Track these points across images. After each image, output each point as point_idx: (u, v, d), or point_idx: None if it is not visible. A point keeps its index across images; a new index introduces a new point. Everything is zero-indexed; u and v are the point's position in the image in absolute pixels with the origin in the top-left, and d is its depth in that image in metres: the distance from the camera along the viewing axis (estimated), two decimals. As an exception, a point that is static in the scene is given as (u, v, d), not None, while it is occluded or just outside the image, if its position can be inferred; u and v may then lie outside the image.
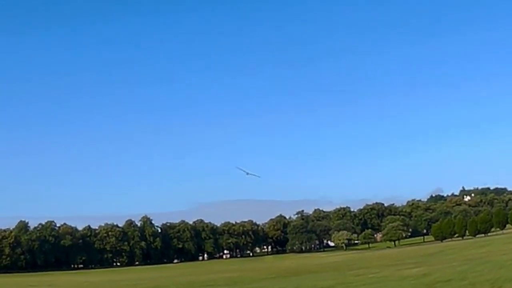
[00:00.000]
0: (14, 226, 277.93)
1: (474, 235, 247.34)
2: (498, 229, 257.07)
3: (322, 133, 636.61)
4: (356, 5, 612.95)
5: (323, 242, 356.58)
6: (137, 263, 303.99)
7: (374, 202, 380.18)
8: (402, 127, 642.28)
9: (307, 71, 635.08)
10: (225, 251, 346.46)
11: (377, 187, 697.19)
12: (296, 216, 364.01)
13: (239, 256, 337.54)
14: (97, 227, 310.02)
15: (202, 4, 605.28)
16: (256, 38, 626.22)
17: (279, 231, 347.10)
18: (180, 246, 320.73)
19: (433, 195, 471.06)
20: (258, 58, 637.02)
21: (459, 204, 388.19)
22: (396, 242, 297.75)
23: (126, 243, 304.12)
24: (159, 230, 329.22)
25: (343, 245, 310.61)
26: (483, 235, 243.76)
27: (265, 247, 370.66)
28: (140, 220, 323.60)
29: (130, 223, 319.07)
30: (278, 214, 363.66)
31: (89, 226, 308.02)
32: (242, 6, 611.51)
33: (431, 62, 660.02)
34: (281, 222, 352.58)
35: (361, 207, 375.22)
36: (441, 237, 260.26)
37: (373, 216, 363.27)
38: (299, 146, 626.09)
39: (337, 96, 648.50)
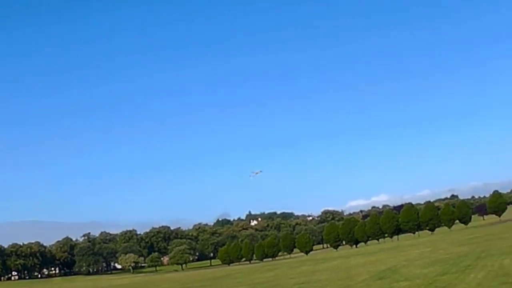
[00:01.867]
0: None
1: (262, 259, 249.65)
2: (285, 253, 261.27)
3: (105, 157, 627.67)
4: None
5: (110, 265, 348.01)
6: None
7: (161, 225, 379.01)
8: (183, 154, 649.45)
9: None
10: (13, 273, 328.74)
11: (164, 210, 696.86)
12: (83, 238, 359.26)
13: (27, 277, 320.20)
14: None
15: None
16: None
17: (66, 253, 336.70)
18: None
19: (220, 219, 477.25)
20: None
21: (246, 228, 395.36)
22: (184, 265, 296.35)
23: None
24: None
25: (130, 267, 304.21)
26: (270, 259, 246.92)
27: (53, 268, 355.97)
28: None
29: None
30: (65, 236, 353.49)
31: None
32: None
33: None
34: (68, 244, 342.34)
35: (148, 230, 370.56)
36: (228, 261, 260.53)
37: (159, 239, 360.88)
38: (86, 169, 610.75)
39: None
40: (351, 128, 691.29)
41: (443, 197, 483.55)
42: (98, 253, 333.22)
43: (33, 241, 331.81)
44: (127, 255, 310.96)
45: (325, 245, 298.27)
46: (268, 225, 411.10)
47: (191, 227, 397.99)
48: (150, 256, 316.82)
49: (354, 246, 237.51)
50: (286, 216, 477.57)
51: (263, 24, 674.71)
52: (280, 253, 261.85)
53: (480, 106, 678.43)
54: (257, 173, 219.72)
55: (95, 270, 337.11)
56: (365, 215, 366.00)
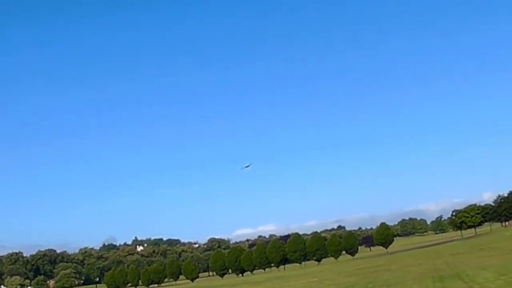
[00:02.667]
0: None
1: (147, 285, 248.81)
2: (171, 280, 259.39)
3: None
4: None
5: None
6: None
7: (47, 248, 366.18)
8: (68, 176, 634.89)
9: None
10: None
11: (50, 233, 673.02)
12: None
13: None
14: None
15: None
16: None
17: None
18: None
19: (106, 243, 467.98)
20: None
21: (132, 254, 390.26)
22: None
23: None
24: None
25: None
26: (156, 285, 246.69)
27: None
28: None
29: None
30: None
31: None
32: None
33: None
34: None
35: (34, 253, 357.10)
36: (114, 286, 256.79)
37: (45, 262, 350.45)
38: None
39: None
40: (236, 156, 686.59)
41: (330, 228, 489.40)
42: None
43: None
44: (13, 278, 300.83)
45: (211, 273, 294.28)
46: (154, 251, 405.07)
47: (77, 251, 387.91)
48: (36, 279, 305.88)
49: (240, 275, 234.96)
50: (172, 242, 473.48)
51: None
52: (166, 280, 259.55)
53: (365, 136, 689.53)
54: (247, 167, 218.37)
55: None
56: (252, 244, 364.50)
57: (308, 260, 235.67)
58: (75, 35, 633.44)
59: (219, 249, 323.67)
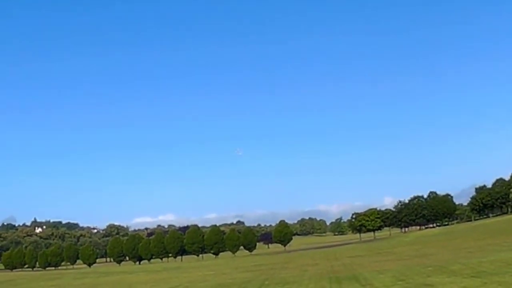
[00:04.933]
0: None
1: (44, 268, 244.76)
2: (68, 263, 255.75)
3: None
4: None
5: None
6: None
7: None
8: (3, 152, 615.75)
9: None
10: None
11: None
12: None
13: None
14: None
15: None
16: None
17: None
18: None
19: (5, 223, 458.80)
20: None
21: (31, 235, 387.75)
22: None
23: None
24: None
25: None
26: (53, 268, 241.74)
27: None
28: None
29: None
30: None
31: None
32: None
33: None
34: None
35: None
36: (11, 267, 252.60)
37: None
38: None
39: None
40: (142, 143, 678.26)
41: (229, 222, 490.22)
42: None
43: None
44: None
45: (108, 259, 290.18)
46: (53, 234, 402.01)
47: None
48: None
49: (138, 262, 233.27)
50: (71, 226, 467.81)
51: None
52: (63, 263, 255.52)
53: (267, 132, 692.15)
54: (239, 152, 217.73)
55: None
56: (150, 233, 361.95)
57: (205, 253, 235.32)
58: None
59: (117, 235, 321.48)
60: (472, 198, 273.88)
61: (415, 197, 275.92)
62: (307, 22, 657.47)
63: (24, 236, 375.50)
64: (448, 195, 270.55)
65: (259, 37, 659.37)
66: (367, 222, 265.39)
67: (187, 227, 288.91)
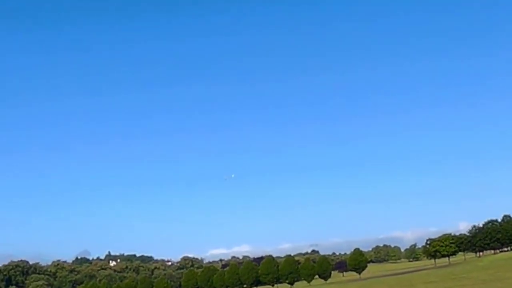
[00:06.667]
0: None
1: None
2: None
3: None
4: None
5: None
6: None
7: (20, 259, 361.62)
8: (44, 186, 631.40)
9: None
10: None
11: (24, 244, 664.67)
12: None
13: None
14: None
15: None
16: None
17: None
18: None
19: (79, 257, 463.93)
20: None
21: (105, 269, 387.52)
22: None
23: None
24: None
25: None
26: None
27: None
28: None
29: None
30: None
31: None
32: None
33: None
34: None
35: (6, 263, 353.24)
36: None
37: (17, 273, 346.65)
38: None
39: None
40: (215, 176, 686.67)
41: (304, 251, 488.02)
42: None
43: None
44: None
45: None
46: (127, 267, 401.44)
47: (50, 263, 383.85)
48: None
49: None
50: (145, 259, 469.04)
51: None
52: None
53: (341, 161, 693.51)
54: (232, 176, 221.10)
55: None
56: (225, 264, 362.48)
57: (281, 282, 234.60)
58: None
59: (192, 268, 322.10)
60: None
61: (489, 221, 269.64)
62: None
63: (98, 270, 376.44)
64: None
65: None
66: (442, 247, 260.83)
67: (261, 258, 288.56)
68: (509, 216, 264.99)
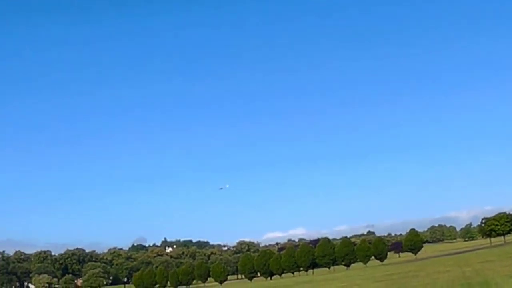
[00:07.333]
0: None
1: (175, 287, 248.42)
2: (200, 281, 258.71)
3: (25, 174, 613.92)
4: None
5: (23, 285, 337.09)
6: None
7: (76, 247, 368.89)
8: (100, 175, 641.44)
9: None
10: None
11: (80, 232, 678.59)
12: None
13: None
14: None
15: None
16: None
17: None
18: None
19: (135, 244, 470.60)
20: None
21: (161, 255, 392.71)
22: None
23: None
24: None
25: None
26: (184, 287, 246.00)
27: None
28: None
29: None
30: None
31: None
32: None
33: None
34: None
35: (62, 252, 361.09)
36: (142, 287, 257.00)
37: (74, 261, 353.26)
38: (2, 185, 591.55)
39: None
40: (270, 160, 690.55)
41: (360, 233, 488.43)
42: (12, 272, 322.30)
43: None
44: (41, 276, 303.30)
45: (239, 276, 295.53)
46: (183, 253, 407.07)
47: (106, 251, 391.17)
48: (64, 278, 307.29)
49: (269, 278, 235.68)
50: (201, 245, 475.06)
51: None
52: (194, 282, 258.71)
53: (397, 143, 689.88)
54: (227, 186, 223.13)
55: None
56: (281, 247, 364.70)
57: (337, 264, 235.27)
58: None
59: (248, 252, 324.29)
60: None
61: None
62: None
63: (155, 256, 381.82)
64: None
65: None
66: (497, 226, 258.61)
67: (317, 240, 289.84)
68: None
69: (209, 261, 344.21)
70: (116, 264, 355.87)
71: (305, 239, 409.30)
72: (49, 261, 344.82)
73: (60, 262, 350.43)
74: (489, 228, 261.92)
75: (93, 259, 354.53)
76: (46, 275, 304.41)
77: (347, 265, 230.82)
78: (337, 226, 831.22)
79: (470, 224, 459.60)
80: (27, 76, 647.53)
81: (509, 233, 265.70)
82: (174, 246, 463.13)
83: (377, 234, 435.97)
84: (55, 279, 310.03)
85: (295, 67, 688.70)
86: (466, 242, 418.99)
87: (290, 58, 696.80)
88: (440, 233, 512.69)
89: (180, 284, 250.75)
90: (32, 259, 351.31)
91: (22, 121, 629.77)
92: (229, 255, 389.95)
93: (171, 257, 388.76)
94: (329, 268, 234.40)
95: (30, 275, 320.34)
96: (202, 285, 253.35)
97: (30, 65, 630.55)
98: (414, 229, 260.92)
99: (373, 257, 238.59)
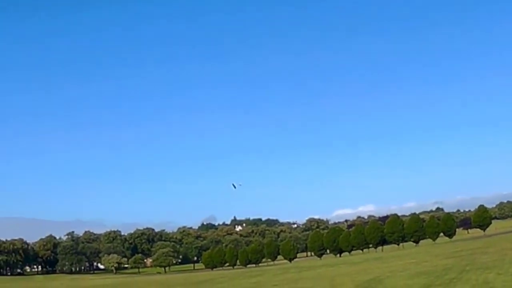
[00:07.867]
0: None
1: (245, 265, 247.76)
2: (269, 260, 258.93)
3: (94, 156, 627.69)
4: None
5: (93, 265, 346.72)
6: None
7: (145, 227, 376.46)
8: (170, 156, 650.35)
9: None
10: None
11: (149, 212, 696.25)
12: (67, 237, 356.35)
13: (9, 274, 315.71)
14: None
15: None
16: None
17: (49, 251, 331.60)
18: None
19: (205, 223, 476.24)
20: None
21: (230, 234, 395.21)
22: (167, 268, 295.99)
23: None
24: None
25: (113, 268, 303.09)
26: (254, 265, 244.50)
27: (35, 266, 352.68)
28: None
29: None
30: (49, 234, 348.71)
31: None
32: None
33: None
34: (51, 242, 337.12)
35: (132, 232, 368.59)
36: (211, 265, 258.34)
37: (143, 241, 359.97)
38: (72, 167, 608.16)
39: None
40: (339, 137, 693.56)
41: (428, 209, 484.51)
42: (81, 253, 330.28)
43: (16, 238, 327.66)
44: (110, 256, 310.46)
45: (309, 253, 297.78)
46: (252, 231, 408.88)
47: (175, 230, 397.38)
48: (134, 257, 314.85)
49: (338, 255, 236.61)
50: (271, 223, 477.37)
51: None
52: (263, 260, 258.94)
53: (468, 119, 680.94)
54: (240, 185, 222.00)
55: (77, 269, 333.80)
56: (350, 224, 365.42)
57: (406, 241, 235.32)
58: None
59: (317, 229, 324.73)
60: None
61: None
62: None
63: (224, 235, 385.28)
64: None
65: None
66: None
67: (386, 217, 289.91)
68: None
69: (279, 239, 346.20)
70: (186, 243, 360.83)
71: (374, 216, 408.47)
72: (119, 241, 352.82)
73: (130, 242, 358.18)
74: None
75: (163, 239, 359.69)
76: (115, 255, 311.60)
77: (416, 242, 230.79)
78: (406, 203, 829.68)
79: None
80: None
81: None
82: (244, 225, 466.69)
83: (446, 210, 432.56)
84: (125, 259, 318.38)
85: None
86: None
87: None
88: (509, 209, 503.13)
89: (250, 262, 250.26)
90: (102, 239, 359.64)
91: (97, 101, 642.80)
92: (299, 233, 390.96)
93: (240, 235, 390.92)
94: (398, 244, 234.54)
95: (100, 255, 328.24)
96: (271, 263, 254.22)
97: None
98: (482, 205, 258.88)
99: (442, 234, 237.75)
